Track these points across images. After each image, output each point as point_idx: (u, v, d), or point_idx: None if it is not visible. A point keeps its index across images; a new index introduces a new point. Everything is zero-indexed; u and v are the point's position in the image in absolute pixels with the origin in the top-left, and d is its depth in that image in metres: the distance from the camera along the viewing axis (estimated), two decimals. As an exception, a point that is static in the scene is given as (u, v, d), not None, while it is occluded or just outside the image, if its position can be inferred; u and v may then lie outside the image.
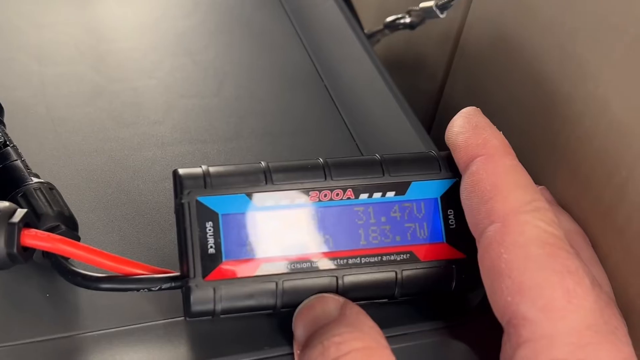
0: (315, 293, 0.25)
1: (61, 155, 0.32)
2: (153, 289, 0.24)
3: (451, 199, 0.26)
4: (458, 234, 0.26)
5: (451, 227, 0.26)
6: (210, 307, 0.24)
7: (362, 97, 0.37)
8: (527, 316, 0.21)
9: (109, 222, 0.29)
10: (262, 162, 0.25)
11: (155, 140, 0.33)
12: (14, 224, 0.24)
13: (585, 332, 0.20)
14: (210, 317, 0.24)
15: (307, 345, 0.23)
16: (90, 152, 0.32)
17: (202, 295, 0.24)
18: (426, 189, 0.26)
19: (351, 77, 0.38)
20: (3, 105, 0.31)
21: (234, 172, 0.25)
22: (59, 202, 0.26)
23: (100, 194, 0.30)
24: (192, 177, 0.24)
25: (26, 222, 0.24)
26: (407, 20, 0.38)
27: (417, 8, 0.37)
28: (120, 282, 0.24)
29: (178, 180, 0.24)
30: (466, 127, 0.25)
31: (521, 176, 0.24)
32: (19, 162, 0.28)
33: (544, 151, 0.31)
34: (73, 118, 0.34)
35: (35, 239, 0.24)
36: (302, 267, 0.25)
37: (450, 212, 0.26)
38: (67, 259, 0.25)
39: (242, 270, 0.24)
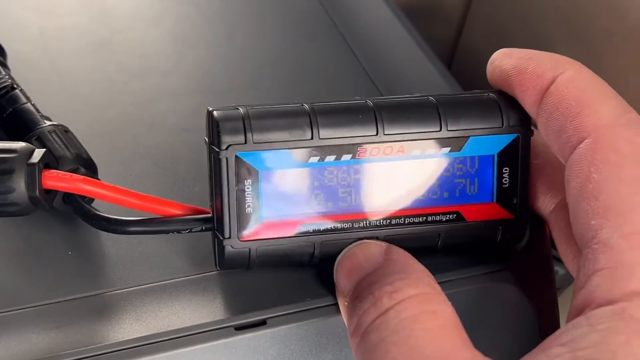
0: None
1: (70, 111, 0.30)
2: (183, 231, 0.23)
3: (509, 156, 0.24)
4: (510, 193, 0.24)
5: (504, 186, 0.24)
6: (243, 262, 0.23)
7: (379, 42, 0.35)
8: (609, 242, 0.18)
9: (127, 177, 0.27)
10: (306, 106, 0.22)
11: (168, 92, 0.31)
12: (33, 164, 0.22)
13: None
14: (245, 268, 0.23)
15: (355, 296, 0.21)
16: (101, 105, 0.30)
17: (237, 254, 0.23)
18: (484, 144, 0.23)
19: (367, 22, 0.37)
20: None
21: (277, 124, 0.22)
22: (75, 144, 0.25)
23: (115, 148, 0.28)
24: (231, 129, 0.22)
25: (46, 163, 0.23)
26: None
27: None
28: (148, 224, 0.23)
29: (214, 128, 0.22)
30: (522, 57, 0.23)
31: (608, 88, 0.21)
32: (29, 105, 0.26)
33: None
34: (79, 71, 0.32)
35: (57, 180, 0.22)
36: (342, 226, 0.23)
37: (506, 170, 0.24)
38: (89, 202, 0.24)
39: (280, 230, 0.23)
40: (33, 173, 0.22)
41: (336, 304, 0.23)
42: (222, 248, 0.22)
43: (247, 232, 0.22)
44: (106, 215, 0.23)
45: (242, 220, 0.22)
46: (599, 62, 0.28)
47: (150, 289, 0.23)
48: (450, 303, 0.20)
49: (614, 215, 0.19)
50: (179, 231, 0.23)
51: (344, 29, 0.36)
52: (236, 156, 0.22)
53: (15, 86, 0.27)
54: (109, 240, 0.25)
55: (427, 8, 0.41)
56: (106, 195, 0.23)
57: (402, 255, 0.22)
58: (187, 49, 0.34)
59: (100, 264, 0.24)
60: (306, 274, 0.24)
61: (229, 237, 0.22)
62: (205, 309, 0.23)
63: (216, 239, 0.23)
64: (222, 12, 0.36)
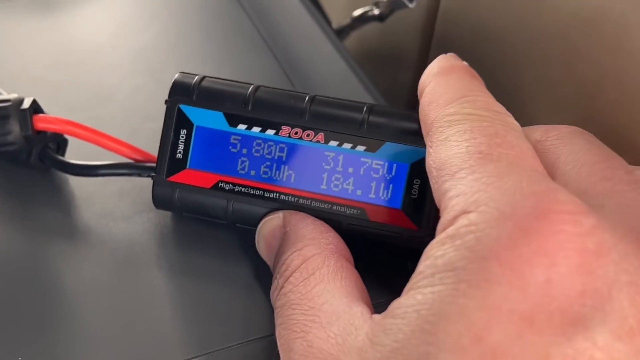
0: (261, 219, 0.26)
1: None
2: (142, 175, 0.28)
3: (422, 169, 0.24)
4: (417, 205, 0.25)
5: (413, 196, 0.25)
6: (169, 203, 0.27)
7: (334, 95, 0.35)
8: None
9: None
10: (252, 86, 0.26)
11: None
12: (25, 109, 0.27)
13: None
14: (173, 211, 0.27)
15: (273, 268, 0.24)
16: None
17: (163, 192, 0.26)
18: (400, 152, 0.25)
19: (322, 76, 0.36)
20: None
21: (221, 90, 0.26)
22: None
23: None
24: (183, 85, 0.26)
25: (35, 109, 0.28)
26: (376, 12, 0.36)
27: (384, -1, 0.35)
28: (113, 167, 0.28)
29: (173, 83, 0.26)
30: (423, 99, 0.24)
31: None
32: None
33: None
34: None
35: (46, 122, 0.28)
36: (254, 193, 0.26)
37: (417, 182, 0.25)
38: (61, 155, 0.29)
39: (200, 180, 0.26)
40: (25, 116, 0.27)
41: None
42: (153, 182, 0.27)
43: (173, 174, 0.26)
44: (80, 162, 0.28)
45: (172, 163, 0.26)
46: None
47: None
48: (345, 258, 0.23)
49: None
50: (139, 175, 0.28)
51: (298, 83, 0.36)
52: (178, 107, 0.26)
53: None
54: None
55: (388, 54, 0.41)
56: (87, 136, 0.27)
57: (294, 226, 0.24)
58: (141, 122, 0.33)
59: None
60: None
61: (159, 174, 0.26)
62: None
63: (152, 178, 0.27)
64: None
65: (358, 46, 0.44)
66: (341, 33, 0.40)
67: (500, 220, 0.18)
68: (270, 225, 0.25)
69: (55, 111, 0.32)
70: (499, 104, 0.22)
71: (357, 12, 0.38)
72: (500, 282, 0.17)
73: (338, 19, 0.40)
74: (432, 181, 0.21)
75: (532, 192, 0.18)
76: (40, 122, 0.28)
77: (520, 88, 0.30)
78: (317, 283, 0.22)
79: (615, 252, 0.17)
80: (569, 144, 0.22)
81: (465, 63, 0.24)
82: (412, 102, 0.40)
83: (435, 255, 0.18)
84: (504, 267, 0.17)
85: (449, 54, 0.25)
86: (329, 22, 0.40)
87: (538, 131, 0.23)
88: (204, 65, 0.37)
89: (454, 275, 0.17)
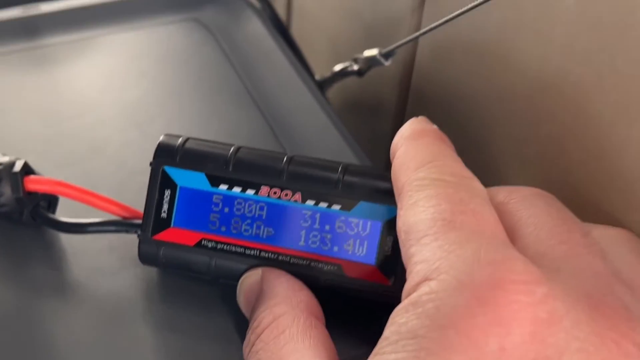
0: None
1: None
2: (130, 232, 0.29)
3: (395, 226, 0.25)
4: (390, 261, 0.26)
5: (386, 253, 0.26)
6: (155, 260, 0.28)
7: (315, 149, 0.36)
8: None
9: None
10: (233, 147, 0.28)
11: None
12: (16, 172, 0.28)
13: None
14: (159, 267, 0.29)
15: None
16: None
17: (148, 249, 0.28)
18: (374, 210, 0.26)
19: (305, 129, 0.38)
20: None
21: (203, 151, 0.28)
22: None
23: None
24: (167, 147, 0.28)
25: (26, 171, 0.29)
26: (355, 67, 0.38)
27: (362, 56, 0.36)
28: (101, 225, 0.29)
29: (157, 146, 0.28)
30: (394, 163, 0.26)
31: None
32: None
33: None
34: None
35: (37, 183, 0.29)
36: (236, 250, 0.27)
37: (390, 239, 0.26)
38: (52, 212, 0.30)
39: (184, 238, 0.27)
40: (17, 179, 0.28)
41: None
42: (139, 240, 0.28)
43: (158, 233, 0.27)
44: (70, 220, 0.29)
45: (157, 222, 0.27)
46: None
47: None
48: (315, 316, 0.24)
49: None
50: (127, 231, 0.29)
51: (284, 140, 0.37)
52: (163, 169, 0.28)
53: None
54: None
55: (369, 106, 0.43)
56: (76, 195, 0.29)
57: (269, 283, 0.26)
58: (130, 176, 0.35)
59: None
60: None
61: (144, 232, 0.28)
62: None
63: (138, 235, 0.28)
64: (166, 132, 0.37)
65: (340, 97, 0.46)
66: (324, 85, 0.41)
67: (458, 290, 0.19)
68: (249, 281, 0.26)
69: (46, 166, 0.34)
70: (466, 169, 0.23)
71: (338, 67, 0.39)
72: (458, 350, 0.18)
73: (323, 71, 0.42)
74: (400, 244, 0.22)
75: (489, 261, 0.19)
76: (31, 184, 0.29)
77: (490, 144, 0.32)
78: (286, 342, 0.23)
79: (567, 320, 0.18)
80: (529, 206, 0.23)
81: (435, 127, 0.26)
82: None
83: (399, 322, 0.19)
84: (461, 336, 0.18)
85: (420, 117, 0.26)
86: (312, 75, 0.41)
87: (502, 193, 0.24)
88: (191, 120, 0.38)
89: (415, 342, 0.18)
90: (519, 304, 0.18)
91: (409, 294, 0.20)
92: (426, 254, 0.20)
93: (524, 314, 0.18)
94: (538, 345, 0.18)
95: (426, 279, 0.20)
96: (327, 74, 0.41)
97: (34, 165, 0.31)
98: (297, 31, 0.49)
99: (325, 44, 0.47)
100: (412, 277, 0.20)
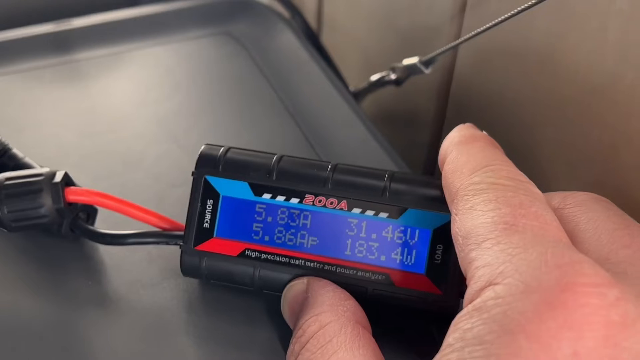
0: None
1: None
2: (170, 243, 0.28)
3: (445, 234, 0.25)
4: (441, 270, 0.25)
5: (436, 262, 0.25)
6: (197, 271, 0.27)
7: (354, 160, 0.35)
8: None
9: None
10: (276, 156, 0.27)
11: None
12: (57, 183, 0.28)
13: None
14: (201, 279, 0.28)
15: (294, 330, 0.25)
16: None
17: (190, 260, 0.27)
18: (422, 218, 0.26)
19: (342, 140, 0.37)
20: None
21: (246, 160, 0.27)
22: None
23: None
24: (209, 157, 0.27)
25: (66, 182, 0.29)
26: (393, 77, 0.37)
27: (400, 65, 0.36)
28: (141, 236, 0.28)
29: (199, 156, 0.28)
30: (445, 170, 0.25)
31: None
32: (27, 159, 0.32)
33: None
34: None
35: (77, 194, 0.29)
36: (280, 260, 0.26)
37: (440, 247, 0.25)
38: (91, 224, 0.30)
39: (227, 248, 0.27)
40: (57, 190, 0.28)
41: None
42: (181, 251, 0.27)
43: (200, 243, 0.27)
44: (109, 232, 0.28)
45: (199, 232, 0.27)
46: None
47: None
48: (362, 326, 0.24)
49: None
50: (167, 243, 0.28)
51: (320, 149, 0.37)
52: (205, 179, 0.27)
53: (9, 147, 0.32)
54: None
55: (405, 116, 0.42)
56: (115, 206, 0.28)
57: (315, 292, 0.25)
58: (168, 189, 0.34)
59: None
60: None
61: (187, 243, 0.27)
62: None
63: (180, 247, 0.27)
64: (201, 144, 0.37)
65: (375, 108, 0.45)
66: (358, 96, 0.41)
67: (526, 294, 0.18)
68: (294, 290, 0.26)
69: (83, 179, 0.33)
70: (522, 173, 0.23)
71: (375, 77, 0.39)
72: (528, 356, 0.17)
73: (354, 83, 0.42)
74: (457, 248, 0.22)
75: (557, 265, 0.19)
76: (71, 195, 0.29)
77: (536, 149, 0.31)
78: (334, 351, 0.22)
79: None
80: (587, 211, 0.22)
81: (484, 132, 0.25)
82: (430, 162, 0.41)
83: (464, 328, 0.19)
84: (531, 341, 0.17)
85: (467, 124, 0.26)
86: (346, 86, 0.41)
87: (556, 198, 0.23)
88: (227, 132, 0.38)
89: (483, 349, 0.18)
90: (591, 307, 0.18)
91: (472, 300, 0.19)
92: (488, 258, 0.20)
93: (596, 317, 0.18)
94: (612, 350, 0.17)
95: (490, 284, 0.19)
96: (362, 84, 0.40)
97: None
98: (328, 42, 0.49)
99: (356, 55, 0.47)
100: (475, 282, 0.20)
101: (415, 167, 0.40)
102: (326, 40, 0.51)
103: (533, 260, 0.19)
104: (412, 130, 0.42)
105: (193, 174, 0.27)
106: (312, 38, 0.44)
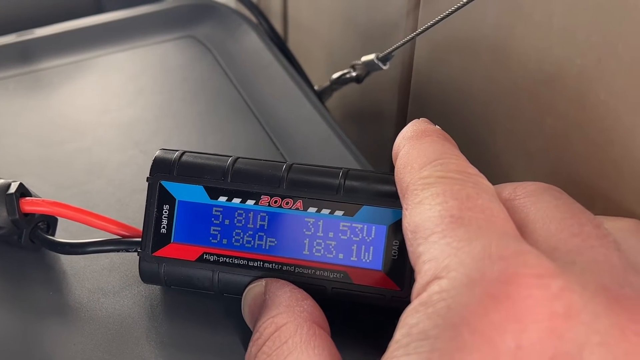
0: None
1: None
2: (130, 250, 0.28)
3: (400, 230, 0.25)
4: (398, 266, 0.25)
5: (393, 258, 0.25)
6: (156, 277, 0.27)
7: (318, 159, 0.35)
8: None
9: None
10: (231, 158, 0.27)
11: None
12: (11, 194, 0.28)
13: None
14: (161, 285, 0.28)
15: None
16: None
17: (149, 267, 0.27)
18: (377, 215, 0.25)
19: (305, 138, 0.37)
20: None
21: (200, 164, 0.27)
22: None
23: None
24: (164, 162, 0.27)
25: (22, 192, 0.28)
26: (353, 74, 0.37)
27: (359, 62, 0.36)
28: (100, 244, 0.28)
29: (153, 161, 0.27)
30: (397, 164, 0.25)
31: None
32: None
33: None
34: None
35: (32, 205, 0.28)
36: (239, 263, 0.26)
37: (396, 243, 0.25)
38: (51, 234, 0.30)
39: (186, 253, 0.27)
40: (12, 201, 0.28)
41: None
42: (139, 258, 0.27)
43: (158, 249, 0.27)
44: (68, 241, 0.28)
45: (157, 238, 0.27)
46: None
47: None
48: (318, 325, 0.24)
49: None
50: (127, 250, 0.28)
51: (284, 149, 0.37)
52: (160, 184, 0.27)
53: None
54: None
55: (369, 112, 0.42)
56: (74, 215, 0.28)
57: (272, 294, 0.25)
58: (130, 195, 0.34)
59: None
60: None
61: (144, 250, 0.27)
62: None
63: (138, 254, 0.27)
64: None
65: (340, 107, 0.45)
66: (323, 94, 0.41)
67: (469, 287, 0.18)
68: (252, 292, 0.26)
69: (45, 189, 0.33)
70: (472, 166, 0.23)
71: (336, 75, 0.39)
72: (472, 350, 0.17)
73: (321, 82, 0.42)
74: (407, 243, 0.22)
75: (500, 256, 0.18)
76: (26, 205, 0.28)
77: (493, 141, 0.31)
78: (290, 352, 0.22)
79: (585, 314, 0.18)
80: (536, 201, 0.22)
81: (437, 127, 0.25)
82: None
83: (410, 323, 0.19)
84: (475, 335, 0.17)
85: (421, 119, 0.26)
86: (311, 86, 0.41)
87: (507, 189, 0.23)
88: (191, 135, 0.38)
89: (428, 344, 0.18)
90: (534, 299, 0.18)
91: (418, 294, 0.19)
92: (434, 252, 0.20)
93: (539, 308, 0.17)
94: (556, 341, 0.17)
95: (436, 278, 0.19)
96: (326, 83, 0.40)
97: (32, 188, 0.30)
98: (294, 43, 0.49)
99: (321, 54, 0.47)
100: (421, 276, 0.20)
101: (382, 164, 0.40)
102: (292, 40, 0.51)
103: (477, 252, 0.19)
104: (378, 126, 0.42)
105: (148, 179, 0.27)
106: (277, 40, 0.44)
